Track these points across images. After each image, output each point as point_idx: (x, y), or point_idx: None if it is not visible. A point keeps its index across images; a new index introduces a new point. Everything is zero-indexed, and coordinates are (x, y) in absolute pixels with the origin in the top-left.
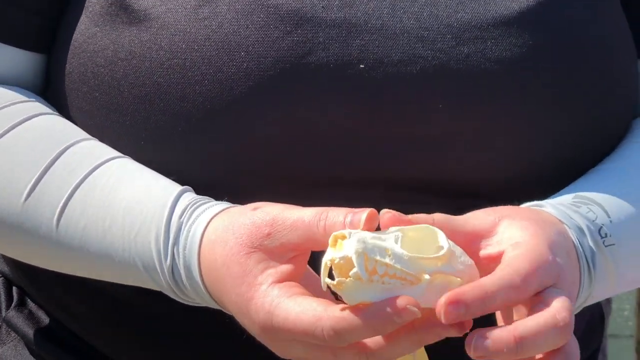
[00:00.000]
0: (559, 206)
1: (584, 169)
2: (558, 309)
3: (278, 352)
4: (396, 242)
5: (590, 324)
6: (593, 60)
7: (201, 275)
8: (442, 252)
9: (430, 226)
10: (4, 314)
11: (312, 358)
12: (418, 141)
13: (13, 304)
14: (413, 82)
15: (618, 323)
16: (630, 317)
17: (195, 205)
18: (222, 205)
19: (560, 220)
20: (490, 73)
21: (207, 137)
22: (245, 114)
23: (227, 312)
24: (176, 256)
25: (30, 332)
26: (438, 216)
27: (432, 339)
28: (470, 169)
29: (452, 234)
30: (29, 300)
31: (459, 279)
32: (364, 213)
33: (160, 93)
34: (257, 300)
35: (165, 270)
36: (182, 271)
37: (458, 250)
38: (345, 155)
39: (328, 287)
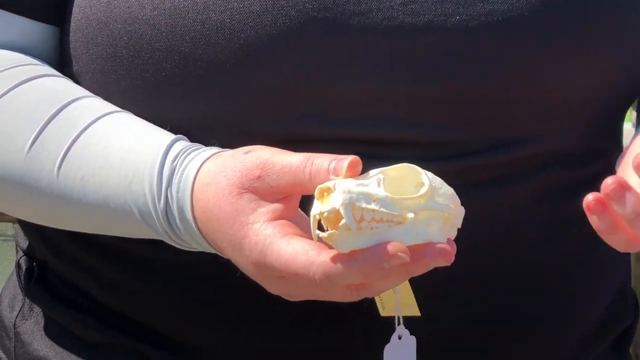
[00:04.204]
0: None
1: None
2: None
3: (270, 289)
4: (379, 185)
5: (620, 297)
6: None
7: (194, 217)
8: (423, 190)
9: (410, 164)
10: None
11: (304, 295)
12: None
13: (34, 278)
14: (404, 7)
15: None
16: None
17: (188, 151)
18: (214, 149)
19: None
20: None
21: (200, 71)
22: (244, 44)
23: (222, 255)
24: (170, 199)
25: (51, 303)
26: None
27: (421, 270)
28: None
29: None
30: (50, 273)
31: (442, 212)
32: (346, 160)
33: (150, 29)
34: (251, 238)
35: (160, 214)
36: (175, 214)
37: (437, 181)
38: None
39: (319, 238)
